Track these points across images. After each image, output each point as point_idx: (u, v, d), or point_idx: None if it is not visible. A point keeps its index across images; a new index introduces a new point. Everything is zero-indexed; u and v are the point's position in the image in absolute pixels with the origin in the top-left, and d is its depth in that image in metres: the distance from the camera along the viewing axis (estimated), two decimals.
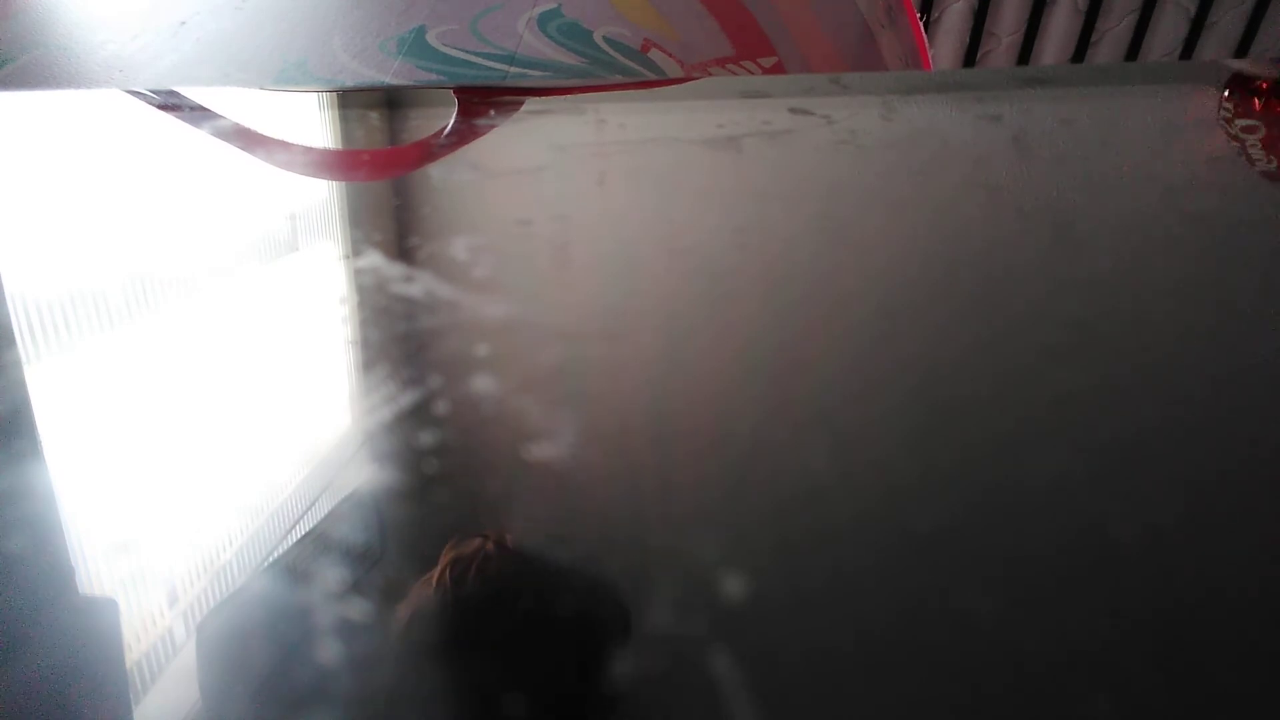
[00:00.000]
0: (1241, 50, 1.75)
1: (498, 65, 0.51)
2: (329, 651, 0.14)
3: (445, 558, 0.16)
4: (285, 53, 0.50)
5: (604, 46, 0.53)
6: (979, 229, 0.28)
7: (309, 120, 0.40)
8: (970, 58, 1.84)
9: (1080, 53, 1.81)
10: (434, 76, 0.50)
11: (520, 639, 0.15)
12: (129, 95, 0.41)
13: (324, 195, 0.32)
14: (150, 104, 0.39)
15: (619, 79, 0.52)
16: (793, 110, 0.36)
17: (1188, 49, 1.77)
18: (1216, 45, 1.76)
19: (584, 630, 0.15)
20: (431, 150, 0.34)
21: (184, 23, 0.52)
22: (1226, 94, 0.36)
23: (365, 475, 0.18)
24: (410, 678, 0.14)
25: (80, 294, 0.24)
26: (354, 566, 0.16)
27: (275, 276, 0.27)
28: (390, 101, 0.42)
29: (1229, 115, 0.35)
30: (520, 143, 0.36)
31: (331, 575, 0.15)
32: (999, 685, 0.14)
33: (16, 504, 0.17)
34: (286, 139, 0.35)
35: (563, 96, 0.40)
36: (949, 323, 0.23)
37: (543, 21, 0.53)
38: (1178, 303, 0.24)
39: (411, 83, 0.49)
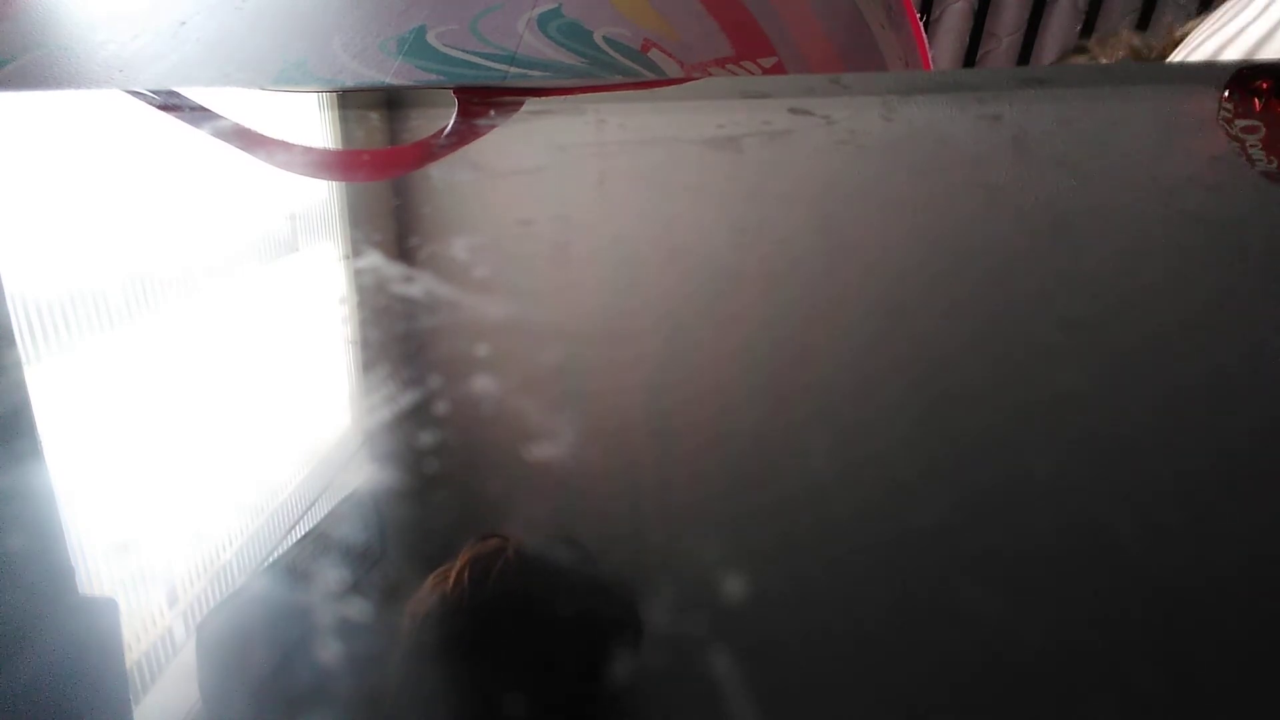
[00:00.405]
0: None
1: (498, 65, 0.51)
2: (329, 652, 0.14)
3: (464, 557, 0.15)
4: (285, 53, 0.50)
5: (604, 47, 0.53)
6: (979, 229, 0.28)
7: (309, 120, 0.40)
8: (970, 58, 1.83)
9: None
10: (434, 77, 0.50)
11: (542, 642, 0.15)
12: (129, 95, 0.41)
13: (324, 195, 0.32)
14: (150, 104, 0.39)
15: (619, 79, 0.52)
16: (793, 110, 0.36)
17: None
18: None
19: (604, 633, 0.15)
20: (431, 150, 0.34)
21: (184, 23, 0.52)
22: (1226, 94, 0.36)
23: (365, 475, 0.18)
24: (424, 678, 0.14)
25: (80, 294, 0.24)
26: (354, 566, 0.16)
27: (275, 276, 0.27)
28: (390, 101, 0.42)
29: (1229, 115, 0.35)
30: (520, 143, 0.36)
31: (332, 575, 0.15)
32: (1000, 681, 0.14)
33: (16, 504, 0.17)
34: (286, 139, 0.35)
35: (563, 96, 0.40)
36: (949, 322, 0.23)
37: (543, 22, 0.53)
38: (1177, 302, 0.24)
39: (411, 83, 0.49)
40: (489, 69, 0.51)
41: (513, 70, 0.51)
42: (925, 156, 0.33)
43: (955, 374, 0.21)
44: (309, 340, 0.24)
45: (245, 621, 0.15)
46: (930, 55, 0.72)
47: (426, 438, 0.18)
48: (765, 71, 0.55)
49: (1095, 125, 0.35)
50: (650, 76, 0.53)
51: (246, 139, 0.35)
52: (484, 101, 0.38)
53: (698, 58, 0.55)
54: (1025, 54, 1.82)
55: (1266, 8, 0.55)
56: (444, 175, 0.32)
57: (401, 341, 0.23)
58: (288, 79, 0.49)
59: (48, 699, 0.14)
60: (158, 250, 0.27)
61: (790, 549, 0.16)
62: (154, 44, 0.51)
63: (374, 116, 0.41)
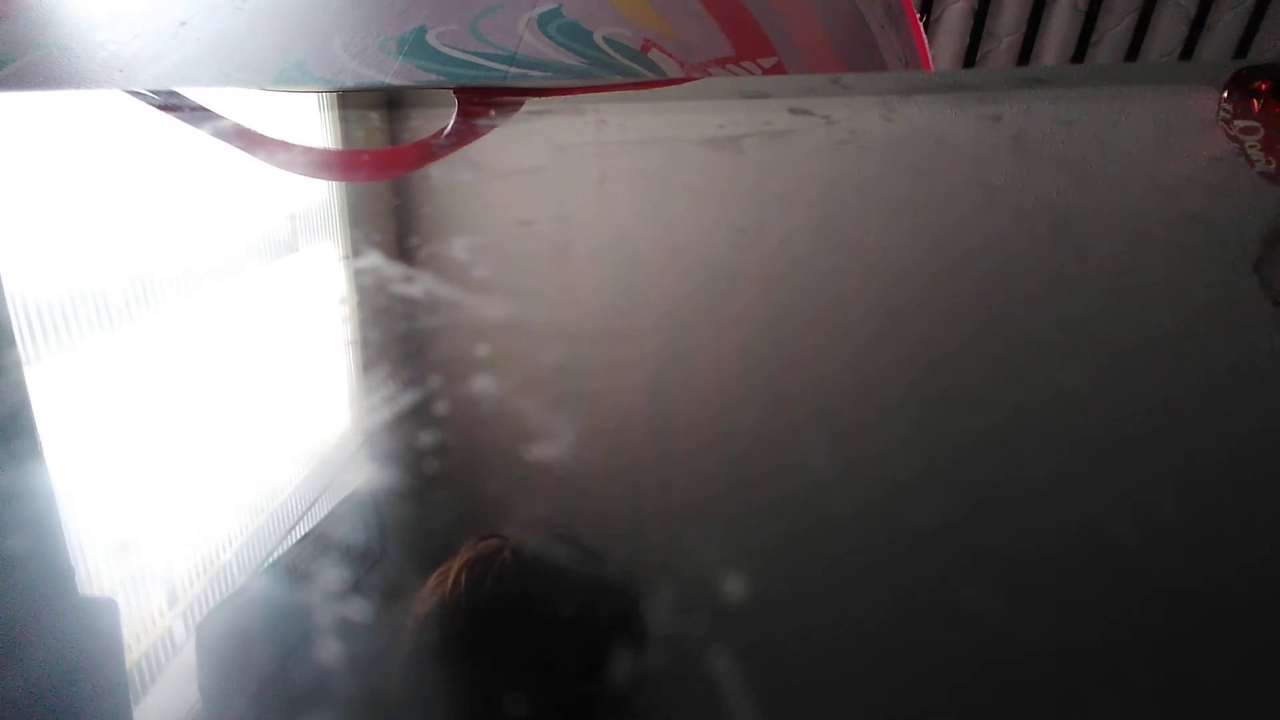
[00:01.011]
0: (1241, 50, 1.75)
1: (498, 65, 0.51)
2: (329, 652, 0.14)
3: (462, 559, 0.16)
4: (285, 53, 0.50)
5: (604, 47, 0.53)
6: (979, 229, 0.28)
7: (309, 120, 0.40)
8: (970, 58, 1.83)
9: (1080, 53, 1.81)
10: (434, 77, 0.50)
11: (541, 642, 0.15)
12: (129, 95, 0.41)
13: (324, 195, 0.32)
14: (150, 104, 0.39)
15: (619, 79, 0.52)
16: (793, 110, 0.36)
17: (1188, 49, 1.77)
18: (1216, 45, 1.76)
19: (603, 633, 0.15)
20: (431, 150, 0.34)
21: (184, 23, 0.52)
22: (1225, 95, 0.36)
23: (365, 475, 0.18)
24: (425, 678, 0.14)
25: (80, 294, 0.24)
26: (354, 566, 0.16)
27: (275, 276, 0.27)
28: (390, 101, 0.42)
29: (1228, 116, 0.35)
30: (520, 143, 0.36)
31: (331, 575, 0.15)
32: (1000, 681, 0.14)
33: (16, 504, 0.17)
34: (286, 139, 0.35)
35: (563, 96, 0.40)
36: (948, 321, 0.23)
37: (543, 22, 0.53)
38: (1177, 302, 0.24)
39: (411, 83, 0.49)
40: (489, 69, 0.51)
41: (513, 70, 0.51)
42: (925, 156, 0.33)
43: (955, 374, 0.21)
44: (309, 340, 0.24)
45: (245, 621, 0.15)
46: (930, 55, 0.72)
47: (426, 438, 0.18)
48: (765, 71, 0.55)
49: (1095, 125, 0.35)
50: (650, 76, 0.53)
51: (246, 139, 0.35)
52: (484, 101, 0.38)
53: (698, 58, 0.55)
54: (1025, 54, 1.82)
55: None
56: (444, 175, 0.32)
57: (401, 341, 0.23)
58: (288, 79, 0.49)
59: (48, 699, 0.14)
60: (158, 250, 0.27)
61: (790, 549, 0.16)
62: (154, 44, 0.51)
63: (374, 116, 0.41)
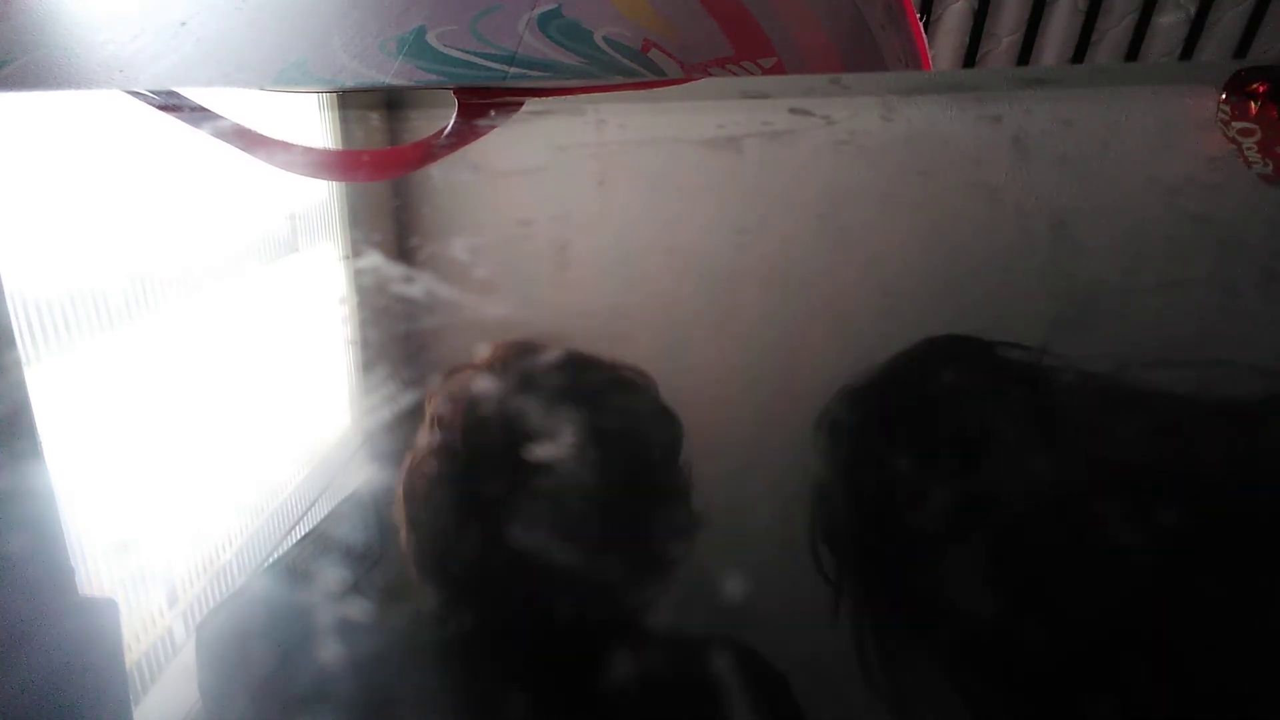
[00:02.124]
0: (1241, 50, 1.75)
1: (498, 66, 0.51)
2: (329, 652, 0.14)
3: (432, 400, 0.16)
4: (285, 53, 0.50)
5: (604, 47, 0.53)
6: (979, 229, 0.28)
7: (309, 120, 0.40)
8: (970, 58, 1.83)
9: (1080, 53, 1.81)
10: (434, 77, 0.50)
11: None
12: (129, 95, 0.41)
13: (324, 195, 0.32)
14: (150, 104, 0.39)
15: (619, 79, 0.52)
16: (793, 110, 0.36)
17: (1188, 49, 1.77)
18: (1216, 45, 1.76)
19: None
20: (431, 150, 0.34)
21: (184, 23, 0.52)
22: (1224, 96, 0.36)
23: (365, 475, 0.18)
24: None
25: (80, 294, 0.24)
26: (354, 566, 0.16)
27: (275, 276, 0.27)
28: (390, 101, 0.42)
29: (1226, 118, 0.35)
30: (520, 143, 0.36)
31: (331, 575, 0.15)
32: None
33: (16, 504, 0.17)
34: (286, 139, 0.35)
35: (563, 97, 0.40)
36: (949, 323, 0.23)
37: (543, 22, 0.53)
38: (1175, 302, 0.24)
39: (411, 83, 0.49)
40: (489, 69, 0.51)
41: (513, 70, 0.51)
42: (925, 156, 0.33)
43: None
44: (309, 340, 0.24)
45: (245, 621, 0.15)
46: (930, 55, 0.72)
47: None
48: (765, 72, 0.56)
49: (1095, 125, 0.35)
50: (650, 76, 0.53)
51: (246, 139, 0.35)
52: (484, 102, 0.38)
53: (698, 58, 0.55)
54: (1025, 54, 1.82)
55: None
56: (444, 175, 0.32)
57: (401, 341, 0.23)
58: (288, 79, 0.49)
59: (48, 699, 0.14)
60: (158, 250, 0.27)
61: (790, 549, 0.16)
62: (154, 44, 0.51)
63: (374, 116, 0.41)
